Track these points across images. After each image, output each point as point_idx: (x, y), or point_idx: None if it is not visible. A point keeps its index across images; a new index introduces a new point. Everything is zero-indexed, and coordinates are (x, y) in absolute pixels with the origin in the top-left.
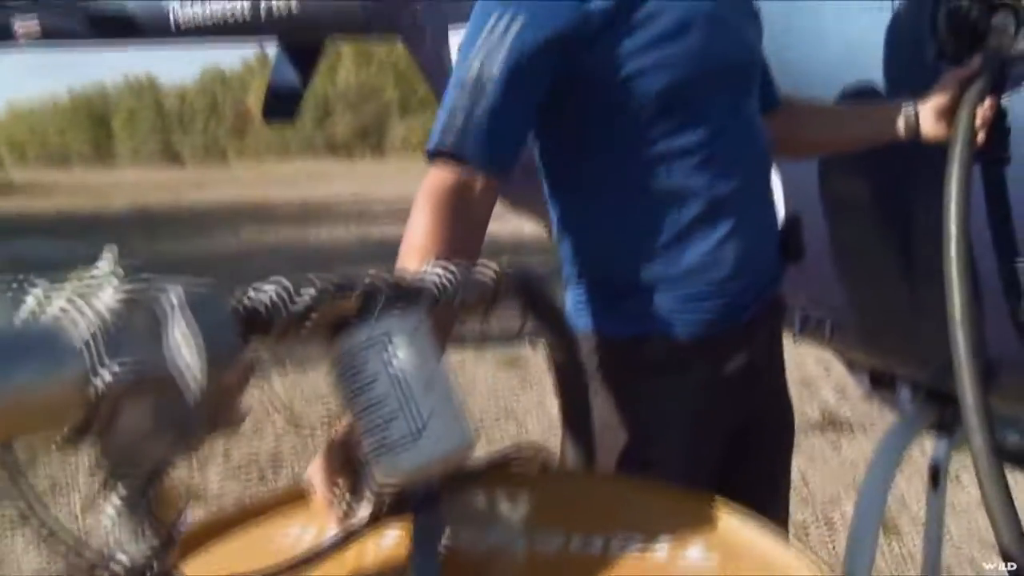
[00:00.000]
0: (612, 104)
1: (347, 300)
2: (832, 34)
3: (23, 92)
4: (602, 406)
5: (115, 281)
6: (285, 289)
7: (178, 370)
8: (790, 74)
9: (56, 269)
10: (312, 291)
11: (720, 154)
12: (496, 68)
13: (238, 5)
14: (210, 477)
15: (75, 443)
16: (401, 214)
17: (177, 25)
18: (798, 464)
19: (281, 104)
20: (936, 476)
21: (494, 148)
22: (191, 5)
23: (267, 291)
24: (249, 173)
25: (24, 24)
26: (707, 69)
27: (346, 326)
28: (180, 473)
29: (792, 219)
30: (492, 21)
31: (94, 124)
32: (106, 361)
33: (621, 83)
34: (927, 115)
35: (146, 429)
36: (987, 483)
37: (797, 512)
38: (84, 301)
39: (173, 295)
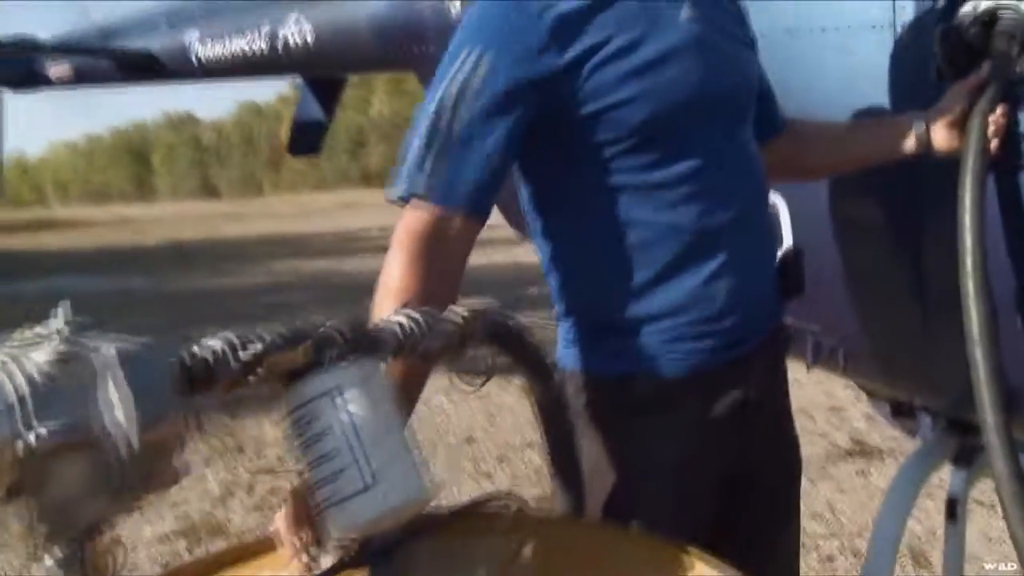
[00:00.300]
0: (593, 136)
1: (298, 352)
2: (834, 59)
3: (67, 130)
4: (590, 447)
5: (56, 340)
6: (231, 342)
7: (110, 429)
8: (793, 100)
9: (90, 304)
10: (259, 344)
11: (710, 185)
12: (465, 109)
13: (256, 43)
14: (233, 510)
15: (7, 503)
16: None
17: (200, 64)
18: (826, 493)
19: (306, 138)
20: (954, 508)
21: (468, 189)
22: (211, 45)
23: (212, 345)
24: (284, 205)
25: (57, 68)
26: (693, 98)
27: (298, 377)
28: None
29: (791, 251)
30: (460, 62)
31: (134, 160)
32: (34, 422)
33: (601, 115)
34: (937, 128)
35: (79, 489)
36: (1011, 509)
37: (824, 543)
38: (16, 361)
39: (108, 354)
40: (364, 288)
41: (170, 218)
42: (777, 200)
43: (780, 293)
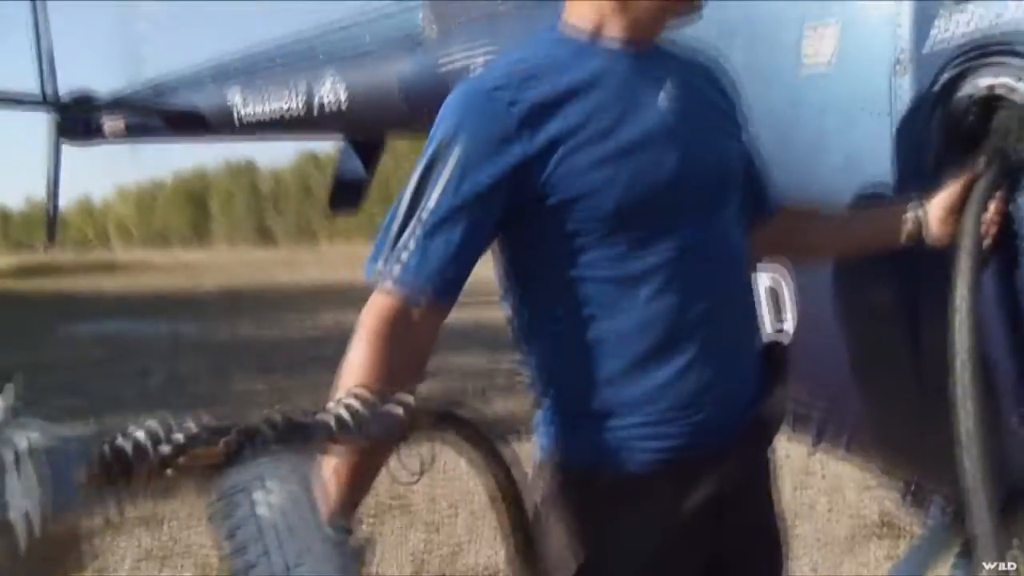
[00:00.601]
0: (564, 224)
1: (220, 444)
2: (833, 143)
3: (133, 175)
4: (561, 535)
5: None
6: (154, 433)
7: (16, 517)
8: (792, 183)
9: (138, 348)
10: (181, 436)
11: (685, 276)
12: (436, 198)
13: (293, 103)
14: None
15: None
16: (483, 298)
17: (240, 121)
18: (851, 572)
19: (347, 194)
20: None
21: (433, 278)
22: (251, 103)
23: (134, 435)
24: (338, 254)
25: (111, 123)
26: (667, 187)
27: (220, 468)
28: None
29: (775, 341)
30: (434, 150)
31: (193, 205)
32: None
33: (572, 202)
34: (933, 217)
35: None
36: None
37: None
38: None
39: (22, 442)
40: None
41: (226, 263)
42: (783, 278)
43: (762, 382)
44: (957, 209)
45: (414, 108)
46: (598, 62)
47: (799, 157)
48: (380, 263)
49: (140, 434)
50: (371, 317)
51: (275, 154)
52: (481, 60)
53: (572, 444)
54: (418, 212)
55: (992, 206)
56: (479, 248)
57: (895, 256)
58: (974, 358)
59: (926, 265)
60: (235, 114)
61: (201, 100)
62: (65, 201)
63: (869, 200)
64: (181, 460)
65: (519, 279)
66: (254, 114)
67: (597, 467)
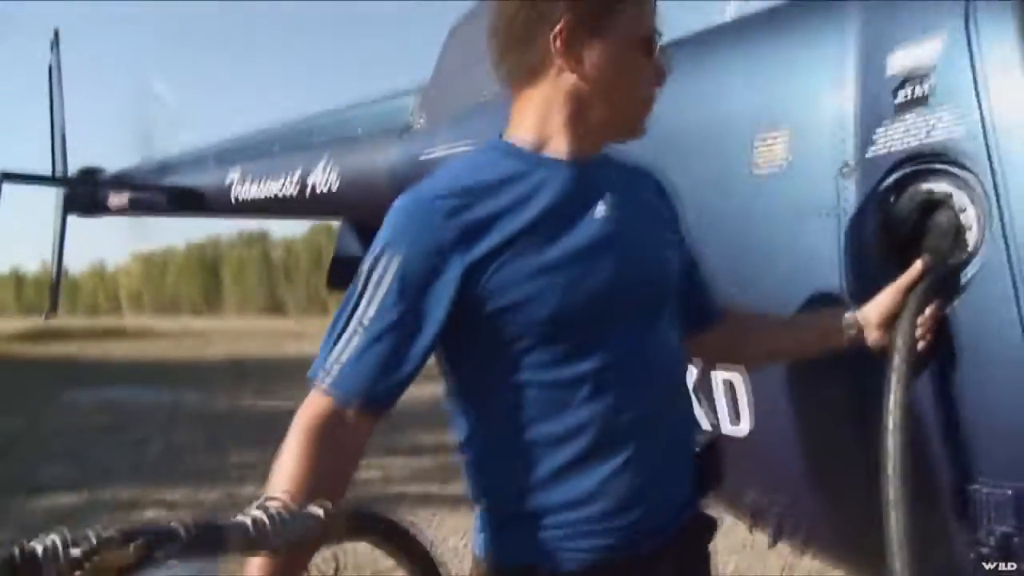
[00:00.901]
0: (499, 332)
1: (132, 547)
2: (784, 247)
3: (147, 243)
4: None
5: None
6: (64, 538)
7: None
8: (741, 285)
9: (138, 417)
10: (91, 541)
11: (619, 384)
12: (373, 306)
13: (288, 187)
14: None
15: None
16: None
17: (237, 201)
18: None
19: (345, 272)
20: None
21: (365, 384)
22: (249, 185)
23: (43, 541)
24: None
25: (116, 199)
26: (602, 297)
27: (129, 573)
28: None
29: (709, 443)
30: (374, 258)
31: (205, 273)
32: None
33: (506, 311)
34: (872, 323)
35: None
36: None
37: None
38: None
39: None
40: (408, 415)
41: (234, 332)
42: (740, 376)
43: (697, 484)
44: (894, 315)
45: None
46: (540, 174)
47: (751, 262)
48: (319, 364)
49: (50, 539)
50: (305, 416)
51: (288, 225)
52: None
53: (507, 544)
54: (358, 318)
55: (928, 310)
56: (415, 359)
57: (846, 355)
58: (904, 465)
59: (874, 365)
60: (233, 194)
61: (202, 180)
62: (79, 266)
63: (818, 303)
64: (91, 563)
65: (457, 381)
66: (251, 194)
67: (532, 567)
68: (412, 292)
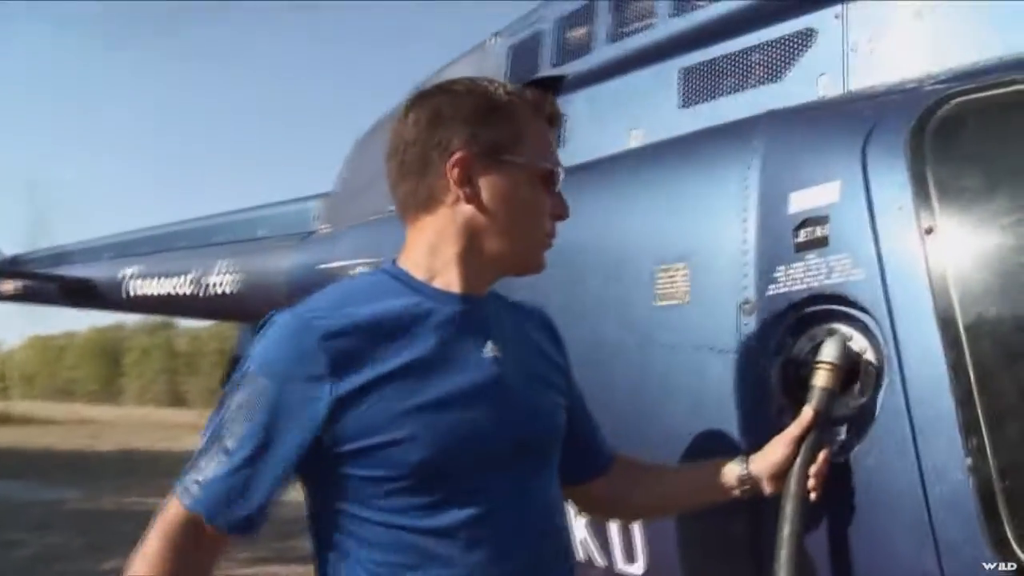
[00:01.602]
0: (365, 471)
1: None
2: (682, 380)
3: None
4: None
5: None
6: None
7: None
8: (639, 417)
9: (10, 515)
10: None
11: (494, 535)
12: (239, 433)
13: (183, 287)
14: None
15: None
16: None
17: (130, 297)
18: None
19: None
20: None
21: (227, 510)
22: (143, 283)
23: None
24: None
25: (5, 285)
26: (478, 444)
27: None
28: None
29: None
30: (240, 378)
31: (106, 360)
32: None
33: (375, 450)
34: (763, 478)
35: None
36: None
37: None
38: None
39: None
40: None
41: (131, 423)
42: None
43: None
44: (786, 468)
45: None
46: (429, 306)
47: (650, 395)
48: (185, 474)
49: None
50: (165, 522)
51: None
52: (359, 269)
53: None
54: (221, 441)
55: (820, 457)
56: (273, 488)
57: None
58: None
59: (769, 505)
60: (124, 291)
61: (95, 272)
62: None
63: (715, 440)
64: None
65: (316, 523)
66: (143, 295)
67: None
68: (276, 422)
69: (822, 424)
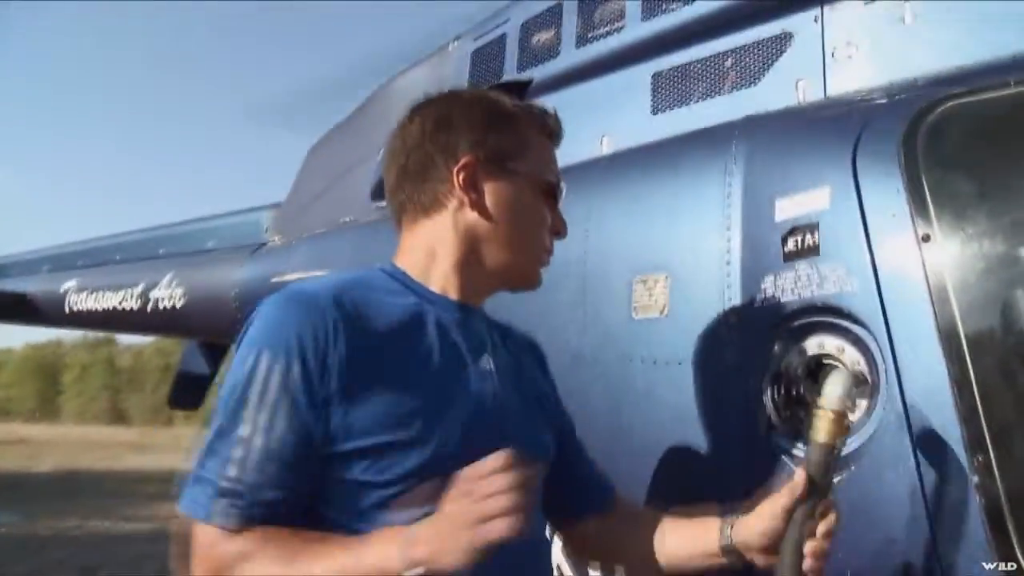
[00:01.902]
0: (360, 474)
1: None
2: (662, 394)
3: None
4: None
5: None
6: None
7: None
8: (619, 432)
9: None
10: None
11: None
12: (264, 422)
13: (128, 302)
14: None
15: None
16: None
17: (71, 312)
18: None
19: (189, 392)
20: None
21: (268, 505)
22: (86, 297)
23: None
24: (193, 438)
25: None
26: (473, 457)
27: None
28: None
29: None
30: (256, 365)
31: (43, 377)
32: None
33: (370, 454)
34: (751, 548)
35: None
36: None
37: None
38: None
39: None
40: None
41: (71, 442)
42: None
43: None
44: (775, 539)
45: (247, 316)
46: (425, 309)
47: (629, 409)
48: (208, 498)
49: None
50: (209, 559)
51: None
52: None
53: None
54: (249, 437)
55: (820, 530)
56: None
57: None
58: None
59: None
60: (67, 305)
61: (33, 286)
62: None
63: (698, 456)
64: None
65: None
66: (86, 309)
67: None
68: (302, 408)
69: (812, 499)
